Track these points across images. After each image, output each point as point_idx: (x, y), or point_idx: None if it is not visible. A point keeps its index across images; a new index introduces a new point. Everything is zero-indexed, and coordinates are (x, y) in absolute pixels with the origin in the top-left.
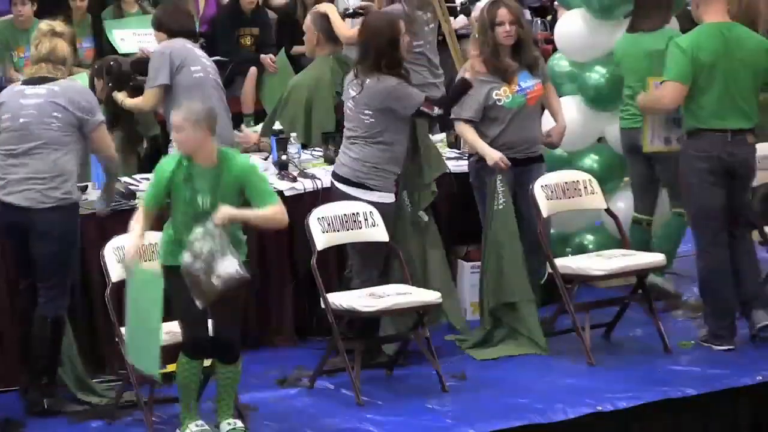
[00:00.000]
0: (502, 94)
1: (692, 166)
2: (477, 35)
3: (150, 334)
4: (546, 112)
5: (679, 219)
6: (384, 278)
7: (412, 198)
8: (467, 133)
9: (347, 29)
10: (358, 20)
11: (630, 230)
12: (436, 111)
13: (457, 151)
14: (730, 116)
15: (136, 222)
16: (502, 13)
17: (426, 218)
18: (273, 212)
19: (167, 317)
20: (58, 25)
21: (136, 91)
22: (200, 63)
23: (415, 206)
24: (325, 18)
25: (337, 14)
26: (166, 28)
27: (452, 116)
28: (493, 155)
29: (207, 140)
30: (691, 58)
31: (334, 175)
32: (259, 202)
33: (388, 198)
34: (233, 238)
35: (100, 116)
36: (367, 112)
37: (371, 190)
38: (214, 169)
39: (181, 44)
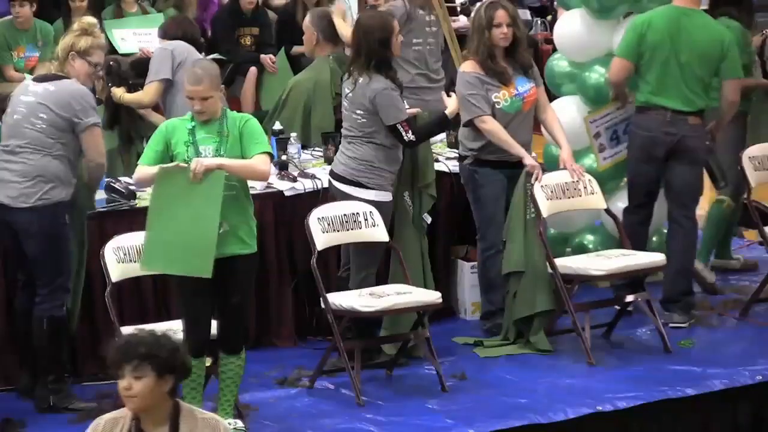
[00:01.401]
0: (501, 98)
1: (633, 141)
2: (473, 36)
3: (208, 231)
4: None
5: (719, 206)
6: (384, 278)
7: (413, 199)
8: (499, 131)
9: (347, 29)
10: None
11: (710, 208)
12: (409, 136)
13: (458, 152)
14: (670, 96)
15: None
16: (500, 15)
17: (429, 220)
18: (254, 162)
19: (167, 317)
20: (87, 21)
21: (134, 90)
22: None
23: (416, 208)
24: (323, 18)
25: (339, 17)
26: (171, 36)
27: (472, 117)
28: (533, 161)
29: (219, 97)
30: (639, 35)
31: (332, 174)
32: (248, 149)
33: (386, 197)
34: (243, 221)
35: (93, 119)
36: (358, 111)
37: (367, 188)
38: (216, 120)
39: (184, 45)
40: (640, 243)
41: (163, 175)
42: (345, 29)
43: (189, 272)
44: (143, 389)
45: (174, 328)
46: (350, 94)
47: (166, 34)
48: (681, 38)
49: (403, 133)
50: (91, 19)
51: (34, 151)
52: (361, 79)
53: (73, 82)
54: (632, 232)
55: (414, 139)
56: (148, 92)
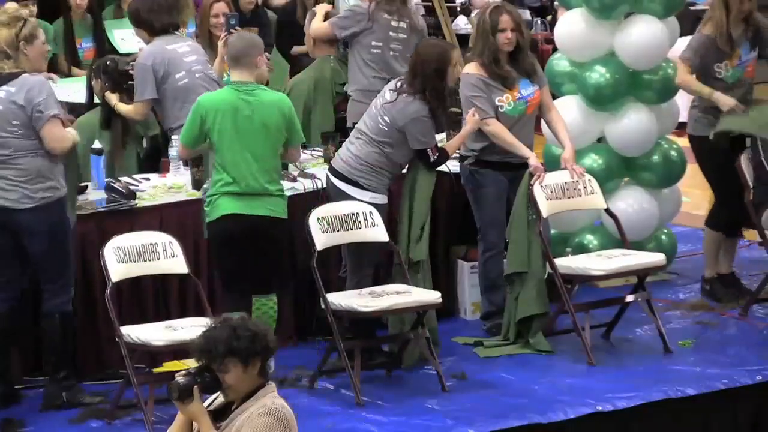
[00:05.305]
0: (505, 101)
1: None
2: (477, 39)
3: None
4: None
5: None
6: (387, 278)
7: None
8: (503, 133)
9: (316, 26)
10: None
11: None
12: (434, 157)
13: (457, 151)
14: None
15: None
16: (504, 20)
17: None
18: None
19: (166, 317)
20: (24, 6)
21: (131, 93)
22: (184, 66)
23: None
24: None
25: (321, 14)
26: (146, 25)
27: (481, 118)
28: (537, 162)
29: None
30: None
31: (331, 169)
32: None
33: (380, 199)
34: None
35: (53, 110)
36: (386, 119)
37: (364, 189)
38: None
39: (161, 49)
40: None
41: None
42: (314, 25)
43: None
44: (234, 381)
45: (174, 325)
46: (389, 102)
47: (139, 22)
48: None
49: (431, 155)
50: (10, 4)
51: (23, 156)
52: (405, 95)
53: (28, 76)
54: None
55: (436, 158)
56: (137, 109)
